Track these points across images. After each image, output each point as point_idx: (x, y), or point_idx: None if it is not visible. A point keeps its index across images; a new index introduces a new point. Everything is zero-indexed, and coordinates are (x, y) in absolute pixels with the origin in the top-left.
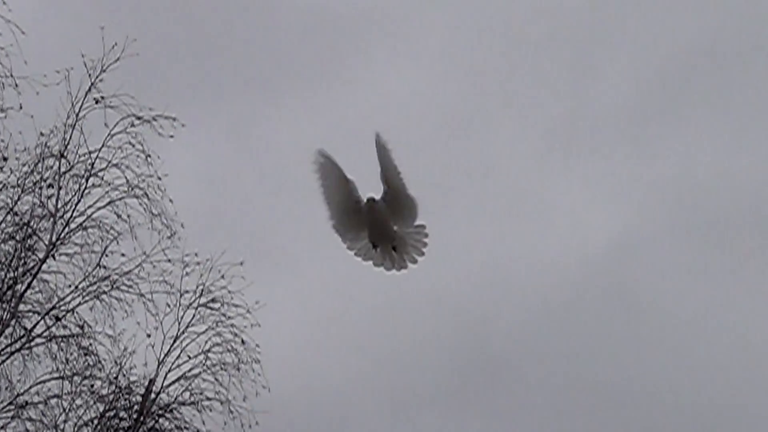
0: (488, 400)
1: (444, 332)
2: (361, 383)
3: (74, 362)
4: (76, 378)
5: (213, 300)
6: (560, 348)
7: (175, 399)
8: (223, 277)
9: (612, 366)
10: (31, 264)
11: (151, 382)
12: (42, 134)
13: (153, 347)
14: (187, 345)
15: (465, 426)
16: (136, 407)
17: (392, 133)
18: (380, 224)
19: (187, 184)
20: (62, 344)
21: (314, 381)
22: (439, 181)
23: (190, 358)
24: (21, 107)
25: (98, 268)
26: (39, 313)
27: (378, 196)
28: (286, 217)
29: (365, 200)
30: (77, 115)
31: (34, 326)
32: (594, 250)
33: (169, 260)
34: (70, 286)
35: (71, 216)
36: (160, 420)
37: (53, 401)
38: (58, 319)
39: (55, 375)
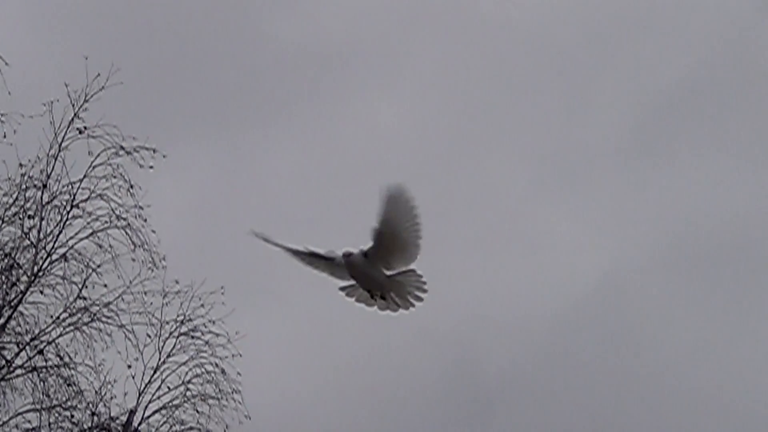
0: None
1: (435, 367)
2: (348, 415)
3: (55, 393)
4: (56, 409)
5: (194, 329)
6: (553, 382)
7: (156, 430)
8: (203, 305)
9: (605, 400)
10: (13, 295)
11: (132, 413)
12: (21, 165)
13: (134, 378)
14: (167, 376)
15: None
16: None
17: (380, 167)
18: (365, 275)
19: (169, 214)
20: (43, 375)
21: (299, 410)
22: (430, 212)
23: (170, 389)
24: (5, 136)
25: (78, 299)
26: (20, 345)
27: (356, 248)
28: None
29: (341, 255)
30: (60, 145)
31: (15, 357)
32: (585, 283)
33: (146, 292)
34: (51, 317)
35: (53, 247)
36: None
37: None
38: (40, 351)
39: (36, 406)
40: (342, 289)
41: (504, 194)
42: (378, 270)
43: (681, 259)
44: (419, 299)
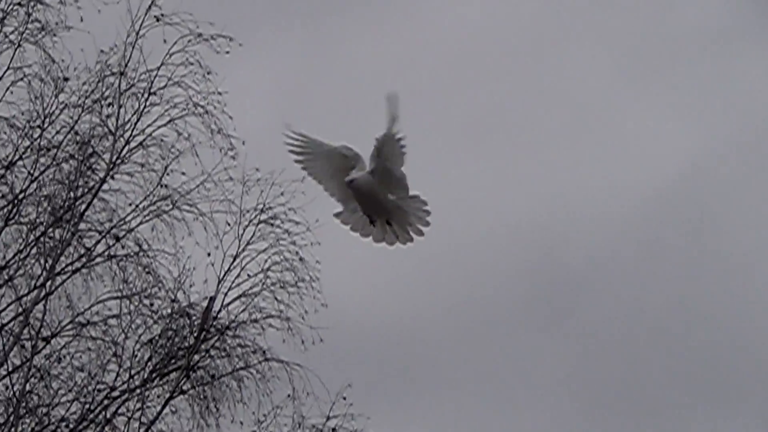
0: (564, 324)
1: (517, 261)
2: (424, 309)
3: (135, 281)
4: (136, 297)
5: (273, 217)
6: (634, 273)
7: (236, 317)
8: (283, 193)
9: (688, 291)
10: (92, 183)
11: (211, 300)
12: (102, 52)
13: (213, 265)
14: (247, 264)
15: (542, 348)
16: (196, 326)
17: (461, 58)
18: (371, 197)
19: (248, 102)
20: (122, 263)
21: (375, 301)
22: (511, 106)
23: (249, 276)
24: (81, 20)
25: (159, 187)
26: (100, 233)
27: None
28: (349, 133)
29: (345, 181)
30: (137, 33)
31: (95, 245)
32: (669, 173)
33: (231, 178)
34: (130, 204)
35: (131, 134)
36: (221, 338)
37: (113, 320)
38: (117, 239)
39: (116, 294)
40: (336, 215)
41: (586, 83)
42: (384, 192)
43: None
44: (420, 233)
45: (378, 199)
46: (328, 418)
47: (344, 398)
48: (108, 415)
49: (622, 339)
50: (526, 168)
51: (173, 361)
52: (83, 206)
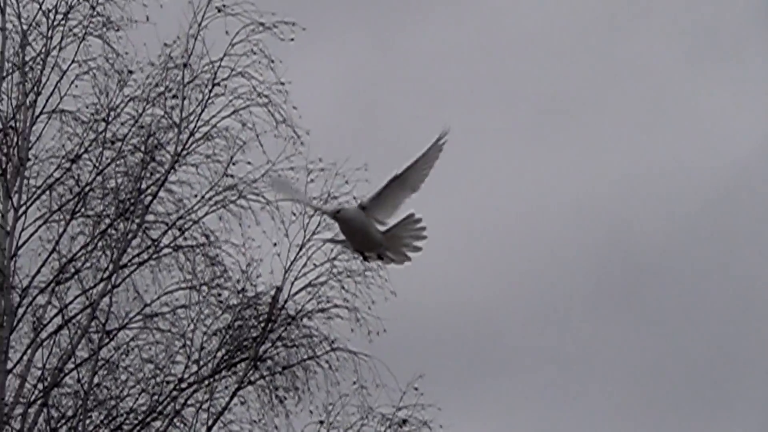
0: (634, 305)
1: (589, 238)
2: (496, 292)
3: (201, 272)
4: (203, 288)
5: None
6: (707, 257)
7: (302, 306)
8: (347, 182)
9: (761, 276)
10: (157, 175)
11: (278, 290)
12: (166, 45)
13: (279, 256)
14: (313, 253)
15: (612, 334)
16: (263, 316)
17: (533, 41)
18: (359, 233)
19: (313, 89)
20: (189, 254)
21: (446, 287)
22: (582, 88)
23: (316, 266)
24: (148, 19)
25: (224, 177)
26: (166, 224)
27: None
28: (410, 121)
29: (332, 213)
30: (199, 24)
31: (161, 236)
32: (742, 157)
33: (292, 168)
34: (196, 195)
35: (195, 126)
36: (288, 328)
37: (181, 311)
38: (182, 231)
39: (183, 285)
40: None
41: (661, 62)
42: (374, 226)
43: None
44: (417, 249)
45: (367, 233)
46: (398, 409)
47: (416, 388)
48: (177, 407)
49: (693, 325)
50: (598, 150)
51: (241, 351)
52: (149, 198)
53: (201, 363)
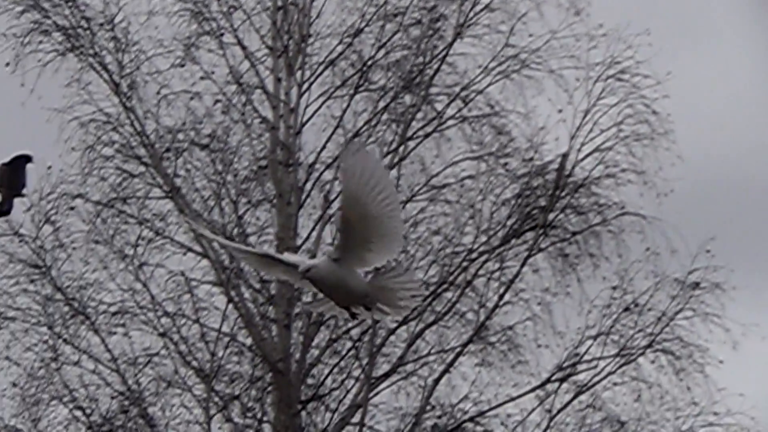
0: None
1: None
2: None
3: (487, 143)
4: (490, 158)
5: (622, 71)
6: None
7: (590, 172)
8: (629, 47)
9: None
10: (440, 47)
11: (565, 156)
12: None
13: (564, 123)
14: (598, 118)
15: None
16: (550, 184)
17: None
18: (338, 288)
19: None
20: (474, 125)
21: (734, 151)
22: None
23: (602, 131)
24: None
25: (506, 47)
26: (449, 96)
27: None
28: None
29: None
30: None
31: (445, 108)
32: None
33: (574, 35)
34: (479, 67)
35: None
36: (576, 195)
37: (469, 182)
38: (466, 102)
39: (469, 155)
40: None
41: None
42: (354, 276)
43: None
44: (416, 298)
45: (347, 287)
46: (690, 272)
47: (708, 251)
48: (467, 277)
49: None
50: None
51: (530, 220)
52: (431, 71)
53: (490, 233)
